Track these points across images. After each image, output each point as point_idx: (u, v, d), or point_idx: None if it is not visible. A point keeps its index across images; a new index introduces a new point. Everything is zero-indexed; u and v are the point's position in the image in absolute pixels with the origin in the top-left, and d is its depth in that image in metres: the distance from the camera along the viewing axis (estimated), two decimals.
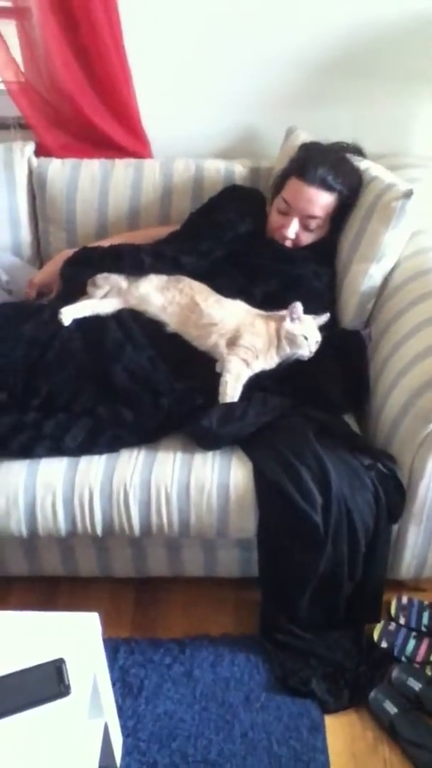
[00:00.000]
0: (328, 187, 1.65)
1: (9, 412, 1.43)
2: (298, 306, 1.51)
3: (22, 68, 1.86)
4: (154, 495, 1.38)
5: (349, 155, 1.75)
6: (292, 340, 1.51)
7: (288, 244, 1.72)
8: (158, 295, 1.60)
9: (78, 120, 1.90)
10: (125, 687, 1.43)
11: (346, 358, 1.59)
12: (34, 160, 1.92)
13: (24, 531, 1.40)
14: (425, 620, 1.54)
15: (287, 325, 1.51)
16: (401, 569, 1.55)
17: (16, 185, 1.90)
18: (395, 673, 1.43)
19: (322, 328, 1.56)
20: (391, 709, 1.38)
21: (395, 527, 1.47)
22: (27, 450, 1.40)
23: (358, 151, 1.80)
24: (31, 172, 1.91)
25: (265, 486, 1.38)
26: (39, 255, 1.99)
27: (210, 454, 1.42)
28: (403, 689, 1.41)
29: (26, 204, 1.92)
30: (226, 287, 1.63)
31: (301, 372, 1.55)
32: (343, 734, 1.38)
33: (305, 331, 1.52)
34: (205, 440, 1.42)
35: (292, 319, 1.52)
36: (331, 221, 1.72)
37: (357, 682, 1.44)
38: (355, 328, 1.68)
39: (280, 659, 1.47)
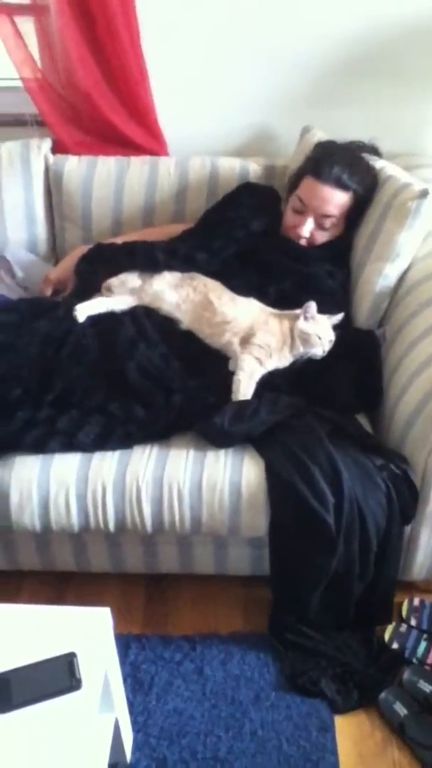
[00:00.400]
0: (343, 186, 1.65)
1: (23, 408, 1.44)
2: (312, 305, 1.51)
3: (39, 65, 1.87)
4: (166, 492, 1.38)
5: (364, 154, 1.74)
6: (305, 339, 1.51)
7: (302, 242, 1.71)
8: (172, 292, 1.60)
9: (94, 117, 1.90)
10: (136, 683, 1.44)
11: (360, 357, 1.59)
12: (51, 157, 1.93)
13: (37, 525, 1.41)
14: None
15: (301, 324, 1.51)
16: (413, 570, 1.54)
17: (32, 182, 1.91)
18: (406, 674, 1.43)
19: (336, 328, 1.56)
20: (401, 710, 1.38)
21: (407, 528, 1.47)
22: (40, 445, 1.40)
23: (374, 151, 1.79)
24: (47, 169, 1.92)
25: (277, 485, 1.37)
26: (54, 252, 2.00)
27: (222, 452, 1.42)
28: (414, 691, 1.41)
29: (42, 201, 1.93)
30: (240, 285, 1.63)
31: (314, 371, 1.55)
32: (352, 734, 1.38)
33: (319, 331, 1.51)
34: (217, 438, 1.42)
35: (306, 318, 1.51)
36: (346, 220, 1.71)
37: (367, 683, 1.43)
38: (369, 327, 1.67)
39: (290, 659, 1.46)
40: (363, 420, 1.57)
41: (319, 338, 1.51)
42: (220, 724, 1.38)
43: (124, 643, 1.49)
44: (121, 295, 1.62)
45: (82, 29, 1.77)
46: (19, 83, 1.86)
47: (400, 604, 1.57)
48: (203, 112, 1.97)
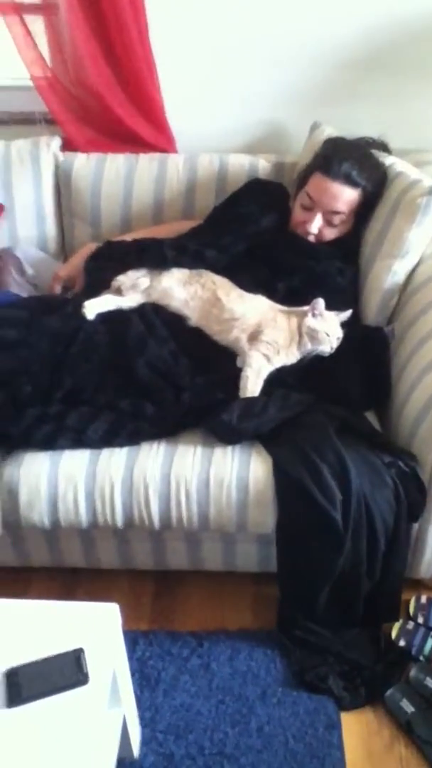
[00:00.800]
0: (352, 183, 1.64)
1: (33, 404, 1.44)
2: (321, 302, 1.51)
3: (49, 64, 1.88)
4: (174, 488, 1.39)
5: (374, 151, 1.74)
6: (313, 336, 1.51)
7: (311, 239, 1.71)
8: (181, 289, 1.61)
9: (104, 115, 1.91)
10: (143, 678, 1.45)
11: (368, 354, 1.58)
12: (60, 155, 1.94)
13: (46, 522, 1.42)
14: None
15: (309, 321, 1.51)
16: (421, 568, 1.54)
17: (42, 179, 1.92)
18: (413, 672, 1.43)
19: (344, 325, 1.56)
20: (408, 708, 1.38)
21: (415, 526, 1.47)
22: (50, 442, 1.41)
23: (384, 147, 1.78)
24: (56, 167, 1.93)
25: (284, 481, 1.38)
26: (64, 249, 2.01)
27: (230, 448, 1.42)
28: (421, 688, 1.41)
29: (51, 198, 1.94)
30: (248, 282, 1.63)
31: (323, 368, 1.55)
32: (359, 732, 1.38)
33: (327, 328, 1.51)
34: (225, 435, 1.42)
35: (314, 315, 1.51)
36: (355, 217, 1.70)
37: (374, 680, 1.43)
38: (377, 324, 1.67)
39: (298, 655, 1.47)
40: (371, 417, 1.57)
41: (327, 335, 1.51)
42: (226, 720, 1.38)
43: (131, 638, 1.50)
44: (129, 292, 1.62)
45: (92, 27, 1.77)
46: (29, 82, 1.87)
47: (408, 601, 1.57)
48: (212, 109, 1.97)
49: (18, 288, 1.84)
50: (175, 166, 1.91)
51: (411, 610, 1.56)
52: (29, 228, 1.94)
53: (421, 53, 1.85)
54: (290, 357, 1.53)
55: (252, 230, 1.73)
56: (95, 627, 1.07)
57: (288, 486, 1.37)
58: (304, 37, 1.85)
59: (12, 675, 1.00)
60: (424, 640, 1.49)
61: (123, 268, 1.66)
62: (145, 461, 1.41)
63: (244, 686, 1.44)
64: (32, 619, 1.09)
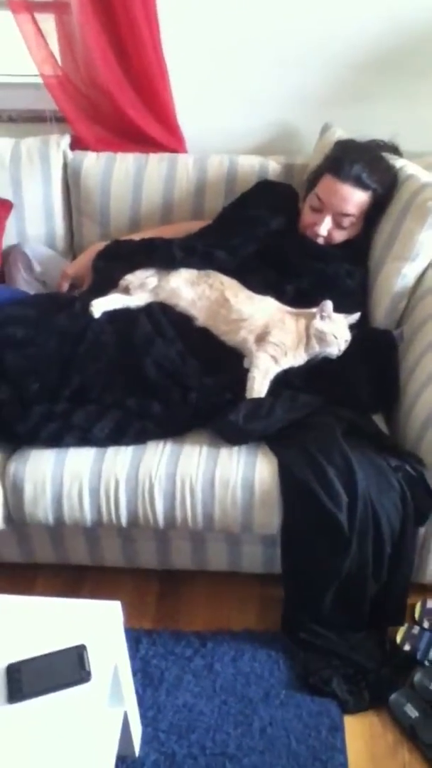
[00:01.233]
0: (362, 185, 1.64)
1: (40, 402, 1.45)
2: (329, 304, 1.50)
3: (59, 62, 1.88)
4: (179, 488, 1.38)
5: (384, 153, 1.73)
6: (321, 338, 1.50)
7: (320, 241, 1.71)
8: (188, 289, 1.60)
9: (114, 114, 1.91)
10: (146, 677, 1.44)
11: (376, 357, 1.58)
12: (69, 153, 1.94)
13: (50, 519, 1.42)
14: None
15: (317, 323, 1.51)
16: (427, 573, 1.53)
17: (51, 178, 1.92)
18: (417, 677, 1.42)
19: (353, 327, 1.55)
20: (412, 712, 1.37)
21: (422, 530, 1.46)
22: (56, 439, 1.41)
23: (394, 150, 1.77)
24: (66, 165, 1.93)
25: (290, 483, 1.37)
26: (72, 247, 2.01)
27: (236, 449, 1.42)
28: (425, 694, 1.40)
29: (61, 196, 1.94)
30: (257, 283, 1.62)
31: (331, 370, 1.54)
32: (362, 735, 1.37)
33: (335, 330, 1.50)
34: (232, 435, 1.42)
35: (322, 318, 1.51)
36: (364, 219, 1.70)
37: (378, 684, 1.43)
38: (386, 327, 1.66)
39: (302, 657, 1.46)
40: (379, 420, 1.56)
41: (335, 337, 1.50)
42: (229, 721, 1.38)
43: (135, 637, 1.50)
44: (137, 291, 1.62)
45: (104, 26, 1.78)
46: (39, 79, 1.87)
47: (414, 606, 1.56)
48: (223, 110, 1.96)
49: (26, 285, 1.84)
50: (185, 166, 1.91)
51: (417, 614, 1.55)
52: (38, 226, 1.94)
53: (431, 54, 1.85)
54: (297, 358, 1.53)
55: (262, 232, 1.73)
56: (97, 624, 1.08)
57: (294, 487, 1.37)
58: (315, 37, 1.85)
59: (13, 670, 1.00)
60: (429, 645, 1.48)
61: (131, 268, 1.66)
62: (151, 460, 1.40)
63: (247, 687, 1.43)
64: (35, 616, 1.10)
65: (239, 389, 1.47)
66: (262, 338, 1.52)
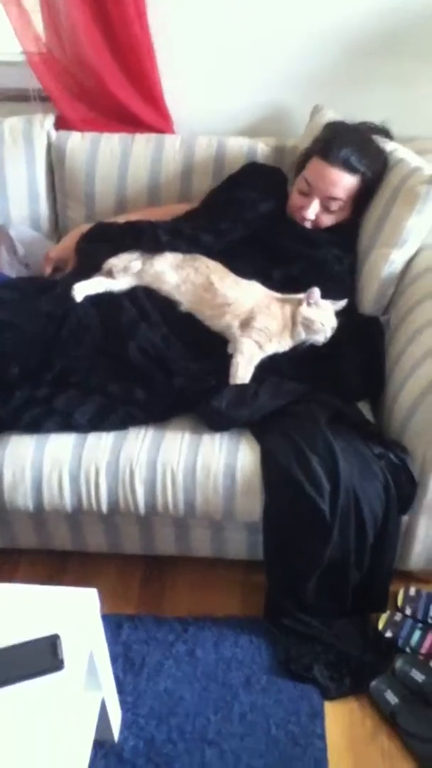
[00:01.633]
0: (351, 169, 1.61)
1: (21, 387, 1.43)
2: (316, 291, 1.48)
3: (43, 39, 1.84)
4: (159, 474, 1.37)
5: (375, 136, 1.70)
6: (307, 325, 1.48)
7: (307, 225, 1.68)
8: (173, 273, 1.58)
9: (99, 93, 1.87)
10: (127, 663, 1.44)
11: (364, 344, 1.56)
12: (54, 133, 1.90)
13: (30, 505, 1.41)
14: None
15: (304, 309, 1.49)
16: (410, 560, 1.53)
17: (35, 158, 1.88)
18: (398, 663, 1.42)
19: (340, 314, 1.53)
20: (392, 699, 1.37)
21: (405, 518, 1.45)
22: (37, 424, 1.40)
23: (386, 133, 1.74)
24: (50, 145, 1.89)
25: (273, 470, 1.36)
26: (57, 229, 1.98)
27: (218, 435, 1.41)
28: (406, 680, 1.40)
29: (45, 177, 1.91)
30: (244, 268, 1.60)
31: (318, 357, 1.53)
32: (342, 721, 1.38)
33: (322, 317, 1.49)
34: (215, 421, 1.41)
35: (309, 304, 1.49)
36: (353, 204, 1.67)
37: (360, 670, 1.43)
38: (374, 314, 1.64)
39: (285, 644, 1.46)
40: (365, 408, 1.55)
41: (322, 325, 1.49)
42: (209, 706, 1.38)
43: (116, 622, 1.50)
44: (120, 275, 1.60)
45: (89, 2, 1.73)
46: (22, 57, 1.83)
47: (396, 593, 1.56)
48: (211, 90, 1.92)
49: (9, 268, 1.82)
50: (172, 147, 1.87)
51: (399, 601, 1.55)
52: (22, 207, 1.91)
53: (426, 37, 1.81)
54: (282, 344, 1.51)
55: (251, 216, 1.70)
56: (74, 612, 1.07)
57: (276, 475, 1.36)
58: (306, 18, 1.80)
59: None
60: (411, 632, 1.49)
61: (115, 251, 1.63)
62: (132, 446, 1.39)
63: (229, 673, 1.44)
64: (10, 604, 1.09)
65: (224, 375, 1.46)
66: (247, 324, 1.50)
